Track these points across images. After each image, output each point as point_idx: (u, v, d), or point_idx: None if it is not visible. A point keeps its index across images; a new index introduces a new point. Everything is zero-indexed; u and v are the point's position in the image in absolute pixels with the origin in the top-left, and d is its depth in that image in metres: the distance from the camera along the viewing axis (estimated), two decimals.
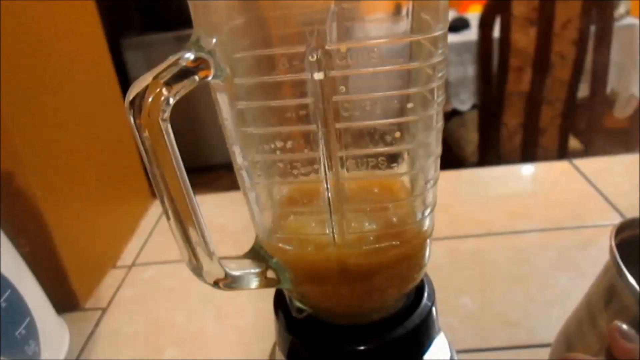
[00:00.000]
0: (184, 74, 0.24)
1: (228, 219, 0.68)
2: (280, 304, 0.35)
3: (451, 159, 1.68)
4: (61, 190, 0.55)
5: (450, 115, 1.84)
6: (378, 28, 0.25)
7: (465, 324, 0.48)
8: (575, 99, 1.47)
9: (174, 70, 0.24)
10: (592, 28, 1.37)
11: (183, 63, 0.24)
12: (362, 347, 0.31)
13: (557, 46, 1.38)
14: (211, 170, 2.39)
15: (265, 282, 0.32)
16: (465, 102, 1.82)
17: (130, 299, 0.57)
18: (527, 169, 0.80)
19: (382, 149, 0.29)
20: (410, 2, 0.25)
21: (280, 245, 0.31)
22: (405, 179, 0.30)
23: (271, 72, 0.26)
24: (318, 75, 0.25)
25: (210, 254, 0.28)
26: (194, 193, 0.26)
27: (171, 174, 0.25)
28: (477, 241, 0.60)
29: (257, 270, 0.31)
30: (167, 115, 0.24)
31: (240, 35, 0.26)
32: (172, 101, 0.24)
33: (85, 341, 0.52)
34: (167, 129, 0.24)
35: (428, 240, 0.32)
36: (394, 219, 0.31)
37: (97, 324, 0.54)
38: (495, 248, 0.58)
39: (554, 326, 0.37)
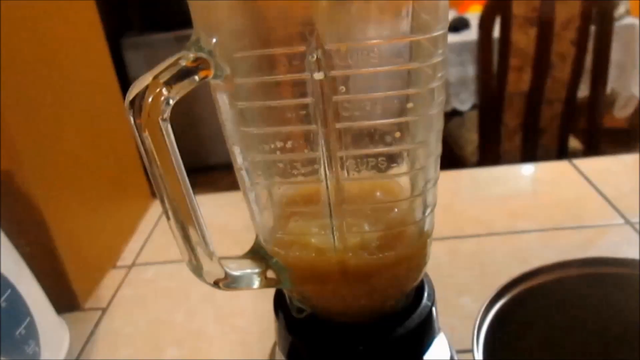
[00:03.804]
0: (184, 74, 0.24)
1: (228, 219, 0.68)
2: (280, 304, 0.35)
3: (451, 159, 1.68)
4: (61, 190, 0.54)
5: (450, 115, 1.84)
6: (378, 28, 0.25)
7: (465, 324, 0.47)
8: (575, 99, 1.47)
9: (174, 70, 0.24)
10: (592, 28, 1.37)
11: (183, 63, 0.24)
12: (362, 347, 0.31)
13: (557, 46, 1.38)
14: (211, 170, 2.39)
15: (266, 282, 0.32)
16: (465, 102, 1.82)
17: (130, 299, 0.57)
18: (527, 169, 0.80)
19: (382, 149, 0.29)
20: (410, 2, 0.25)
21: (280, 245, 0.31)
22: (405, 179, 0.30)
23: (271, 72, 0.26)
24: (318, 75, 0.25)
25: (210, 254, 0.28)
26: (194, 193, 0.26)
27: (171, 174, 0.25)
28: (477, 241, 0.60)
29: (257, 270, 0.31)
30: (167, 115, 0.24)
31: (240, 35, 0.26)
32: (172, 101, 0.24)
33: (86, 341, 0.52)
34: (167, 129, 0.24)
35: (428, 240, 0.32)
36: (394, 219, 0.31)
37: (97, 324, 0.54)
38: (495, 248, 0.58)
39: None
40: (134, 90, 0.23)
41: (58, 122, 0.55)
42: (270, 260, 0.32)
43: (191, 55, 0.25)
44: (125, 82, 0.45)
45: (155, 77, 0.24)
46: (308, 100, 0.26)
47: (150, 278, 0.60)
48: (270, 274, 0.32)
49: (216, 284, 0.29)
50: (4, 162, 0.48)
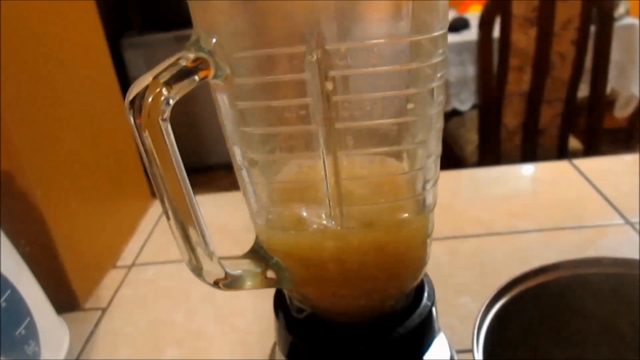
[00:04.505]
0: (184, 74, 0.24)
1: (228, 219, 0.68)
2: (280, 304, 0.35)
3: (451, 159, 1.68)
4: (61, 190, 0.54)
5: (450, 115, 1.84)
6: (378, 28, 0.25)
7: (465, 324, 0.48)
8: (575, 99, 1.47)
9: (174, 70, 0.24)
10: (592, 28, 1.37)
11: (183, 63, 0.24)
12: (362, 347, 0.31)
13: (557, 46, 1.38)
14: (211, 170, 2.40)
15: (266, 282, 0.32)
16: (465, 102, 1.82)
17: (130, 299, 0.57)
18: (527, 169, 0.80)
19: (382, 149, 0.29)
20: (410, 2, 0.25)
21: (280, 245, 0.31)
22: (406, 179, 0.30)
23: (271, 72, 0.26)
24: (318, 76, 0.25)
25: (210, 254, 0.28)
26: (194, 193, 0.26)
27: (171, 174, 0.25)
28: (477, 241, 0.60)
29: (257, 270, 0.31)
30: (167, 115, 0.24)
31: (240, 35, 0.26)
32: (172, 101, 0.24)
33: (85, 341, 0.52)
34: (167, 129, 0.24)
35: (428, 240, 0.32)
36: (394, 219, 0.31)
37: (97, 324, 0.54)
38: (495, 248, 0.58)
39: None
40: (134, 90, 0.23)
41: (58, 122, 0.55)
42: (271, 260, 0.32)
43: (191, 55, 0.25)
44: (125, 82, 0.45)
45: (155, 77, 0.24)
46: (308, 100, 0.26)
47: (150, 278, 0.60)
48: (270, 274, 0.32)
49: (216, 284, 0.29)
50: (4, 162, 0.48)
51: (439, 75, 0.27)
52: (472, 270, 0.55)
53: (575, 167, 0.73)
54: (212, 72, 0.25)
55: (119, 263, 0.64)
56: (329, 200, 0.28)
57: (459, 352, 0.40)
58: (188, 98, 0.25)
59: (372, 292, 0.32)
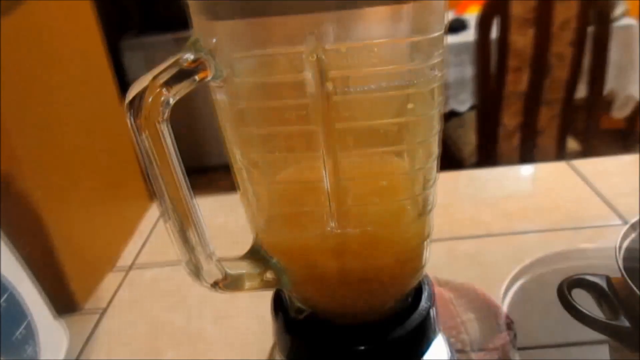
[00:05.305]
0: (184, 74, 0.24)
1: (227, 220, 0.68)
2: (279, 304, 0.35)
3: (449, 160, 1.68)
4: (61, 191, 0.54)
5: (449, 116, 1.84)
6: (378, 28, 0.25)
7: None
8: (574, 100, 1.47)
9: (174, 70, 0.24)
10: (590, 28, 1.38)
11: (183, 64, 0.24)
12: (362, 347, 0.31)
13: (555, 47, 1.39)
14: (210, 172, 2.39)
15: (265, 283, 0.32)
16: (463, 102, 1.82)
17: (129, 301, 0.57)
18: (526, 170, 0.80)
19: (382, 149, 0.29)
20: (410, 3, 0.25)
21: (280, 245, 0.31)
22: (406, 180, 0.30)
23: (271, 72, 0.26)
24: (318, 76, 0.25)
25: (210, 255, 0.28)
26: (194, 194, 0.26)
27: (170, 175, 0.25)
28: (476, 242, 0.60)
29: (256, 270, 0.31)
30: (166, 116, 0.24)
31: (240, 36, 0.26)
32: (171, 102, 0.24)
33: (85, 342, 0.52)
34: (167, 130, 0.24)
35: (427, 241, 0.32)
36: (394, 219, 0.31)
37: (96, 326, 0.54)
38: (493, 249, 0.58)
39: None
40: (133, 91, 0.23)
41: (57, 123, 0.55)
42: (270, 260, 0.32)
43: (190, 56, 0.25)
44: (124, 84, 0.45)
45: (155, 78, 0.24)
46: (308, 100, 0.26)
47: (149, 279, 0.60)
48: (269, 274, 0.32)
49: (216, 284, 0.29)
50: (4, 163, 0.48)
51: (438, 75, 0.28)
52: (471, 271, 0.55)
53: (574, 168, 0.73)
54: (211, 73, 0.25)
55: (118, 264, 0.64)
56: (329, 201, 0.28)
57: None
58: (188, 98, 0.25)
59: (371, 292, 0.32)
